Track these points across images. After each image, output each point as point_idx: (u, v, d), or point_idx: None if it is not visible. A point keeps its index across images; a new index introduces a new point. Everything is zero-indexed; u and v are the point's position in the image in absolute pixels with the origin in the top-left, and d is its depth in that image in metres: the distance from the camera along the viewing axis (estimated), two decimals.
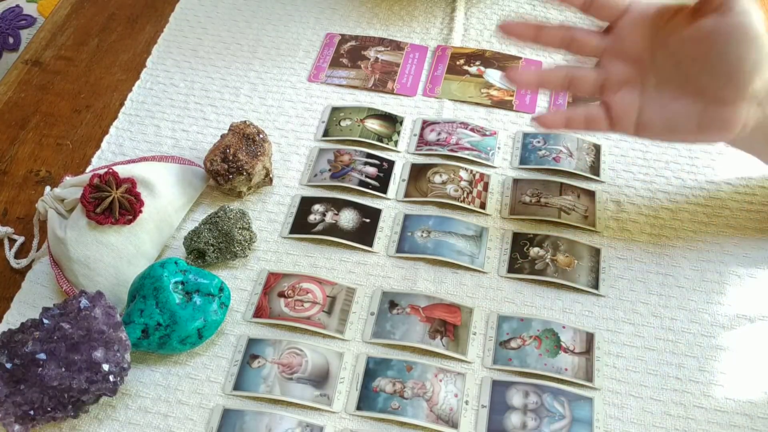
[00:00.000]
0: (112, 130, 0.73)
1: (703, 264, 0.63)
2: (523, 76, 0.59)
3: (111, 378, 0.51)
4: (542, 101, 0.76)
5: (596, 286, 0.61)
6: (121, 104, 0.75)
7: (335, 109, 0.74)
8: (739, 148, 0.60)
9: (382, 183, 0.68)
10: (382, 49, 0.81)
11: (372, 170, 0.69)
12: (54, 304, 0.53)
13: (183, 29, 0.83)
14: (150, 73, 0.78)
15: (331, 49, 0.81)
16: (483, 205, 0.66)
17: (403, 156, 0.71)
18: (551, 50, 0.58)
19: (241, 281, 0.61)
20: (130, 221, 0.60)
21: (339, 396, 0.55)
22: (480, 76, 0.78)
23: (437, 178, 0.68)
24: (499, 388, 0.55)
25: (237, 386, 0.55)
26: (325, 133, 0.72)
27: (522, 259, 0.62)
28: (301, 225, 0.65)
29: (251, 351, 0.57)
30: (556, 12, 0.85)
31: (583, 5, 0.57)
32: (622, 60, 0.57)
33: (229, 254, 0.61)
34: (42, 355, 0.50)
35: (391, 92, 0.76)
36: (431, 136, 0.72)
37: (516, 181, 0.68)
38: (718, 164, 0.70)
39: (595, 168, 0.69)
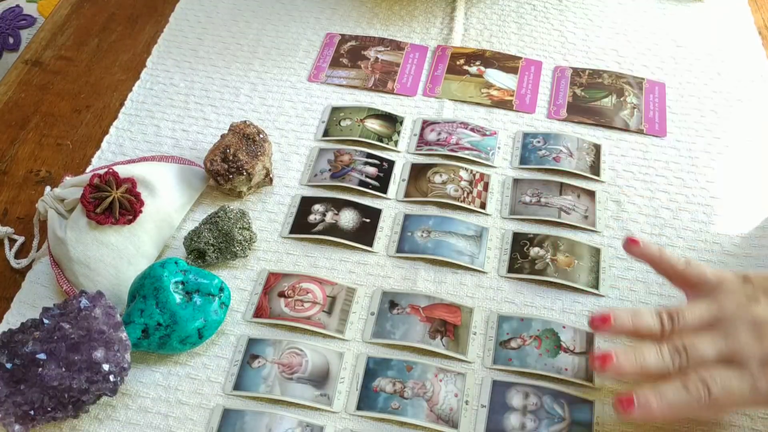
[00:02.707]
0: (112, 130, 0.73)
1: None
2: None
3: (111, 378, 0.51)
4: (542, 101, 0.76)
5: (596, 286, 0.61)
6: (121, 104, 0.75)
7: (335, 109, 0.74)
8: None
9: (382, 183, 0.68)
10: (382, 49, 0.81)
11: (372, 170, 0.69)
12: (54, 304, 0.53)
13: (183, 29, 0.83)
14: (150, 73, 0.78)
15: (331, 49, 0.81)
16: (483, 205, 0.66)
17: (403, 156, 0.71)
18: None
19: (241, 281, 0.61)
20: (130, 221, 0.60)
21: (339, 396, 0.55)
22: (480, 76, 0.78)
23: (437, 178, 0.68)
24: (499, 389, 0.55)
25: (237, 386, 0.55)
26: (325, 133, 0.72)
27: (522, 259, 0.62)
28: (301, 225, 0.65)
29: (251, 351, 0.57)
30: (556, 11, 0.85)
31: (647, 262, 0.56)
32: None
33: (229, 254, 0.61)
34: (42, 355, 0.50)
35: (391, 92, 0.76)
36: (431, 136, 0.72)
37: (516, 181, 0.68)
38: (718, 164, 0.70)
39: (595, 168, 0.69)
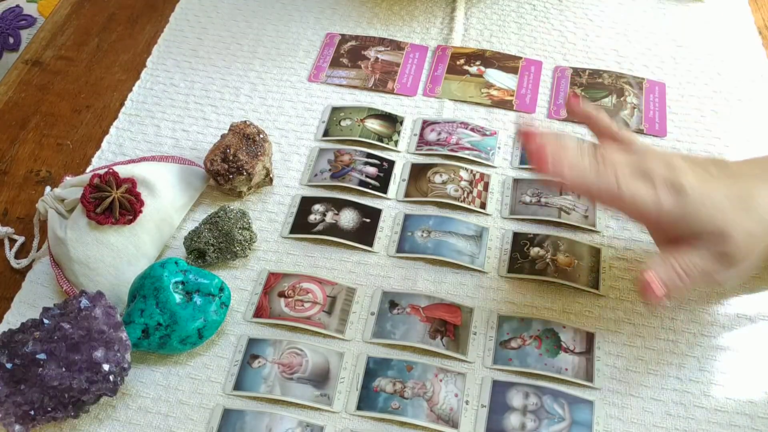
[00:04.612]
0: (112, 130, 0.73)
1: None
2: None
3: (111, 378, 0.51)
4: (542, 101, 0.76)
5: (596, 286, 0.61)
6: (121, 104, 0.75)
7: (335, 109, 0.74)
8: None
9: (382, 183, 0.68)
10: (382, 49, 0.81)
11: (372, 170, 0.69)
12: (54, 304, 0.53)
13: (183, 29, 0.83)
14: (150, 73, 0.78)
15: (331, 49, 0.81)
16: (483, 205, 0.66)
17: (403, 156, 0.71)
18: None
19: (241, 281, 0.61)
20: (130, 221, 0.60)
21: (339, 396, 0.55)
22: (480, 76, 0.78)
23: (437, 178, 0.68)
24: (499, 389, 0.55)
25: (237, 386, 0.55)
26: (326, 133, 0.72)
27: (522, 259, 0.63)
28: (301, 225, 0.65)
29: (251, 351, 0.57)
30: (556, 11, 0.85)
31: (584, 120, 0.60)
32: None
33: (229, 254, 0.62)
34: (42, 355, 0.50)
35: (392, 92, 0.76)
36: (431, 136, 0.72)
37: (516, 180, 0.68)
38: None
39: None
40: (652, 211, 0.51)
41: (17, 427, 0.51)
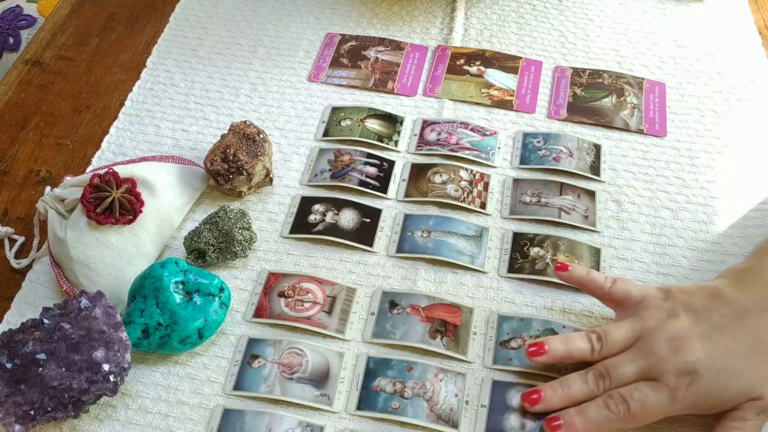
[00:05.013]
0: (112, 130, 0.73)
1: (703, 264, 0.63)
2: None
3: (111, 378, 0.51)
4: (542, 101, 0.76)
5: None
6: (121, 104, 0.75)
7: (335, 109, 0.74)
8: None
9: (382, 183, 0.68)
10: (382, 49, 0.81)
11: (372, 170, 0.69)
12: (54, 304, 0.53)
13: (183, 29, 0.83)
14: (150, 73, 0.78)
15: (332, 49, 0.81)
16: (483, 205, 0.66)
17: (403, 156, 0.71)
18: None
19: (241, 281, 0.61)
20: (130, 221, 0.60)
21: (339, 396, 0.55)
22: (480, 76, 0.78)
23: (437, 178, 0.68)
24: (499, 389, 0.55)
25: (237, 386, 0.55)
26: (326, 133, 0.72)
27: (522, 259, 0.63)
28: (301, 225, 0.65)
29: (251, 351, 0.57)
30: (556, 11, 0.85)
31: (577, 285, 0.59)
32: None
33: (229, 254, 0.62)
34: (42, 355, 0.50)
35: (392, 92, 0.76)
36: (431, 136, 0.72)
37: (516, 181, 0.68)
38: (718, 164, 0.70)
39: (595, 168, 0.69)
40: (673, 410, 0.51)
41: (17, 427, 0.51)
